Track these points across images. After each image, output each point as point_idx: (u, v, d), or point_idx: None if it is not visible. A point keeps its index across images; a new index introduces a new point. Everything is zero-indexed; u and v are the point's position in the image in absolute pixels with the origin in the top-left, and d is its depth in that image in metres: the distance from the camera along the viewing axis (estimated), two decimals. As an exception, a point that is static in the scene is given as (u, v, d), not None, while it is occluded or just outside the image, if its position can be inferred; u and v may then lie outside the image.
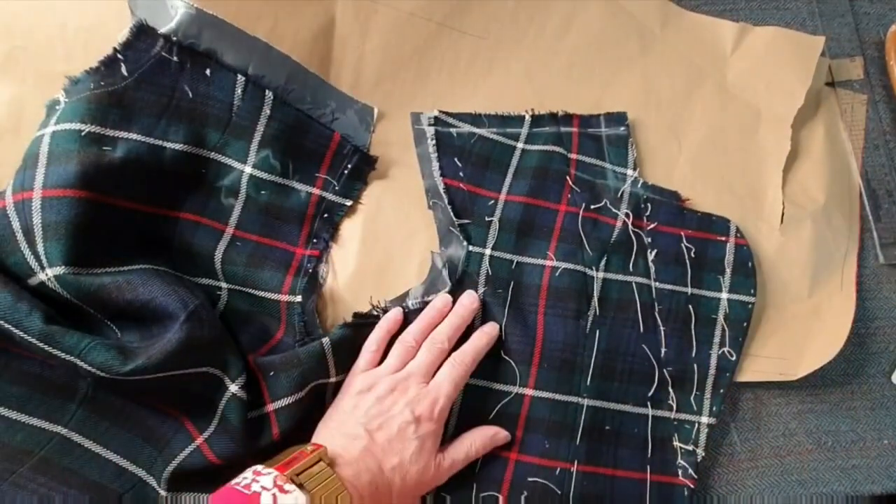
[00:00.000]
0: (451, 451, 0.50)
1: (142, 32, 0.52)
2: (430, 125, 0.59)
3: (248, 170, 0.54)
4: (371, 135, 0.59)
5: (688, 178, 0.61)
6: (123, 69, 0.51)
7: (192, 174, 0.53)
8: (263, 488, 0.41)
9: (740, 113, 0.63)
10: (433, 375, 0.51)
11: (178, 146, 0.52)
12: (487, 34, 0.62)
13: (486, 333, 0.53)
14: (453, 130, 0.59)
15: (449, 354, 0.52)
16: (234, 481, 0.42)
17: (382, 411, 0.48)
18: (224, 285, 0.53)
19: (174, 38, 0.52)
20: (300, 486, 0.42)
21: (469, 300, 0.54)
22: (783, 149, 0.61)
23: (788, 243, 0.59)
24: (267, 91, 0.54)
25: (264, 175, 0.54)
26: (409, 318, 0.53)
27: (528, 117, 0.60)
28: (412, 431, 0.48)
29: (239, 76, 0.54)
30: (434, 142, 0.58)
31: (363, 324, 0.53)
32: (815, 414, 0.59)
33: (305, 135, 0.55)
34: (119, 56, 0.51)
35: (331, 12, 0.58)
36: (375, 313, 0.54)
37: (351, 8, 0.58)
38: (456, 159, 0.58)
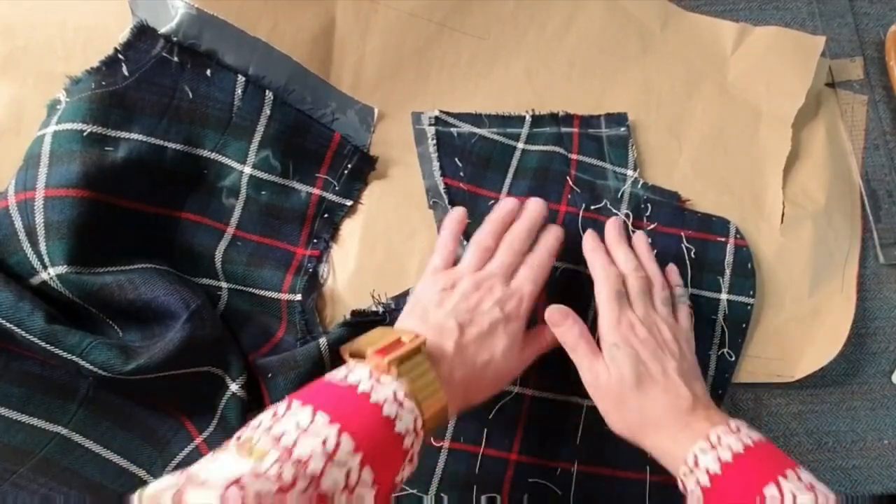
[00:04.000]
0: (530, 343, 0.51)
1: (142, 33, 0.52)
2: (430, 125, 0.58)
3: (247, 170, 0.54)
4: (371, 135, 0.59)
5: (688, 179, 0.61)
6: (124, 69, 0.51)
7: (194, 174, 0.53)
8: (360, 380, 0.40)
9: (740, 113, 0.63)
10: (512, 277, 0.51)
11: (178, 146, 0.52)
12: (487, 34, 0.62)
13: (553, 234, 0.53)
14: (454, 130, 0.59)
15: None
16: (327, 376, 0.42)
17: (470, 307, 0.48)
18: (224, 285, 0.53)
19: (174, 39, 0.52)
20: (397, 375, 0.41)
21: (536, 204, 0.54)
22: (783, 149, 0.61)
23: (788, 244, 0.59)
24: (267, 91, 0.54)
25: (264, 175, 0.54)
26: None
27: (528, 117, 0.60)
28: (502, 329, 0.48)
29: (239, 77, 0.54)
30: (434, 142, 0.58)
31: (361, 322, 0.53)
32: (815, 414, 0.59)
33: (306, 135, 0.55)
34: (120, 56, 0.51)
35: (331, 13, 0.58)
36: (374, 310, 0.54)
37: (351, 8, 0.58)
38: (456, 159, 0.58)
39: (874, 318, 0.61)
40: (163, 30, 0.52)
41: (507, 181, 0.58)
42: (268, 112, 0.54)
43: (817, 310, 0.59)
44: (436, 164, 0.57)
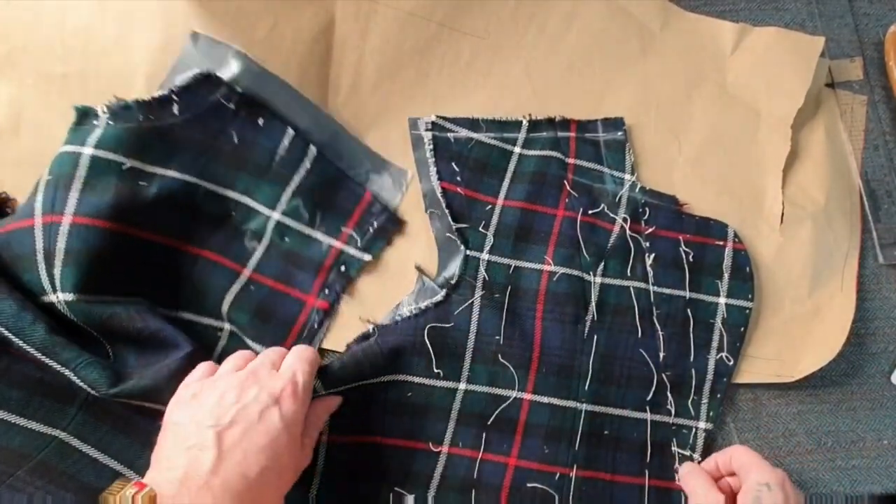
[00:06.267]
0: (309, 428, 0.47)
1: (206, 79, 0.53)
2: (427, 130, 0.58)
3: (276, 216, 0.54)
4: (403, 196, 0.58)
5: (688, 179, 0.61)
6: (175, 108, 0.52)
7: (221, 215, 0.53)
8: None
9: (740, 114, 0.63)
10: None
11: (210, 186, 0.53)
12: (487, 34, 0.62)
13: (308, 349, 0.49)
14: (451, 135, 0.59)
15: None
16: None
17: (231, 403, 0.42)
18: (227, 326, 0.53)
19: (237, 89, 0.54)
20: None
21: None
22: (783, 150, 0.61)
23: (788, 244, 0.59)
24: (311, 146, 0.55)
25: (291, 222, 0.55)
26: (400, 325, 0.53)
27: (525, 122, 0.60)
28: (276, 415, 0.42)
29: (289, 129, 0.55)
30: (431, 147, 0.58)
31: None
32: (815, 414, 0.59)
33: (339, 190, 0.56)
34: (174, 98, 0.52)
35: (330, 12, 0.58)
36: (366, 331, 0.54)
37: (351, 8, 0.58)
38: (453, 164, 0.58)
39: (874, 318, 0.61)
40: (226, 78, 0.54)
41: (505, 186, 0.58)
42: (308, 165, 0.55)
43: (817, 310, 0.59)
44: (433, 169, 0.57)
